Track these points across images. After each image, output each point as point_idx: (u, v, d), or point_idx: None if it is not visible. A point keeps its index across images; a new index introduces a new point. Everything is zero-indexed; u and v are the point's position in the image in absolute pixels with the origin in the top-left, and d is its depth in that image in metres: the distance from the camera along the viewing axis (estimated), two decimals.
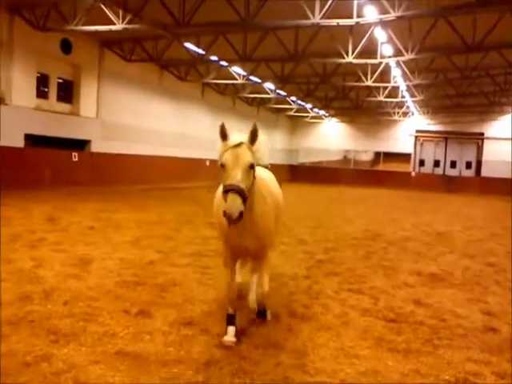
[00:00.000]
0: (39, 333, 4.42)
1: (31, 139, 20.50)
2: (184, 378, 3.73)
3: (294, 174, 45.12)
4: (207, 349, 4.31)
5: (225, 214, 3.76)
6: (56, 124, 21.56)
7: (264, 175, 4.84)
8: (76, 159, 22.31)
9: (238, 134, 4.23)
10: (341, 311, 5.58)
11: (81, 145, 23.84)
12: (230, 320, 4.58)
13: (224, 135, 4.13)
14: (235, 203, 3.75)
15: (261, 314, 5.06)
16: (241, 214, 3.77)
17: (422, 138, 44.73)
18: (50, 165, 20.77)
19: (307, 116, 46.05)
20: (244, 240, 4.42)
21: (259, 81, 30.41)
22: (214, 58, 25.01)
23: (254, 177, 4.09)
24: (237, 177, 3.85)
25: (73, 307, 5.19)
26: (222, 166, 3.99)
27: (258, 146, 4.18)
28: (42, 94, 21.74)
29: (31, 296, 5.46)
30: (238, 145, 4.03)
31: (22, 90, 20.02)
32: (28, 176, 19.42)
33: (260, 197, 4.36)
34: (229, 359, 4.09)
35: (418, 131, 44.40)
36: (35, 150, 20.56)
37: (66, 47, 22.28)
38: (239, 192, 3.79)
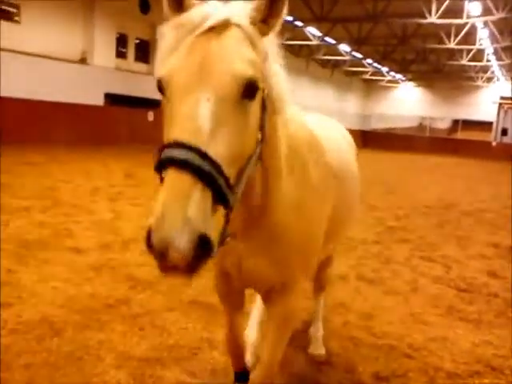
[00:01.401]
0: (119, 279, 4.71)
1: (110, 98, 21.28)
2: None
3: (365, 140, 44.00)
4: None
5: (148, 241, 1.32)
6: (133, 83, 22.18)
7: (319, 127, 2.48)
8: (151, 118, 22.96)
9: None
10: (411, 277, 5.51)
11: (157, 104, 24.48)
12: (239, 377, 2.77)
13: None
14: (179, 210, 1.27)
15: None
16: (221, 241, 1.45)
17: (506, 106, 41.95)
18: (127, 123, 21.52)
19: (382, 80, 44.44)
20: (250, 264, 2.08)
21: (334, 42, 29.58)
22: (288, 18, 24.56)
23: (265, 130, 1.63)
24: (197, 121, 1.38)
25: (149, 258, 5.46)
26: (161, 88, 1.51)
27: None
28: (120, 54, 22.39)
29: (111, 245, 5.80)
30: (220, 27, 1.52)
31: (103, 50, 20.69)
32: (107, 133, 20.27)
33: (295, 183, 1.99)
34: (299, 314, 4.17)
35: (502, 98, 41.62)
36: (114, 108, 21.35)
37: (145, 7, 22.67)
38: (200, 172, 1.32)
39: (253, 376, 2.36)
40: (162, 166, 1.37)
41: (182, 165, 1.31)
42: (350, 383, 3.18)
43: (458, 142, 42.07)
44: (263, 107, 1.59)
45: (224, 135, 1.39)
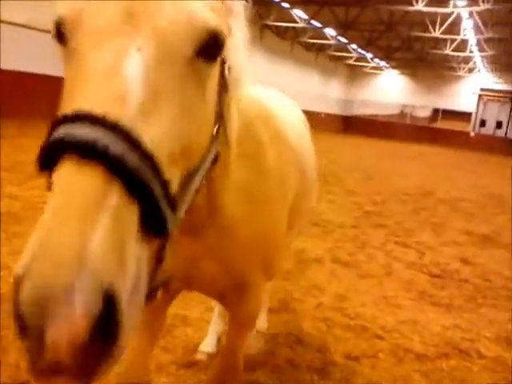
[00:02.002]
0: None
1: None
2: None
3: (347, 125, 44.19)
4: None
5: (15, 306, 0.71)
6: None
7: (276, 103, 2.18)
8: None
9: None
10: (385, 262, 5.59)
11: None
12: None
13: None
14: (73, 243, 0.71)
15: None
16: (149, 295, 0.90)
17: (485, 97, 42.49)
18: None
19: (366, 66, 44.47)
20: (196, 267, 1.68)
21: (320, 26, 29.44)
22: None
23: (224, 116, 1.22)
24: (121, 82, 0.86)
25: None
26: (61, 33, 0.98)
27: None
28: None
29: None
30: None
31: None
32: None
33: (247, 168, 1.59)
34: (274, 295, 4.21)
35: (482, 89, 42.11)
36: None
37: None
38: (120, 168, 0.79)
39: (216, 370, 2.19)
40: (50, 156, 0.82)
41: (87, 151, 0.77)
42: (321, 363, 3.23)
43: (438, 131, 42.56)
44: (222, 82, 1.14)
45: (166, 111, 0.90)
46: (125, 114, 0.83)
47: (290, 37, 34.41)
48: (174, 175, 0.93)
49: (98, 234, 0.72)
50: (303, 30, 32.32)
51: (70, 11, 0.96)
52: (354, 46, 36.11)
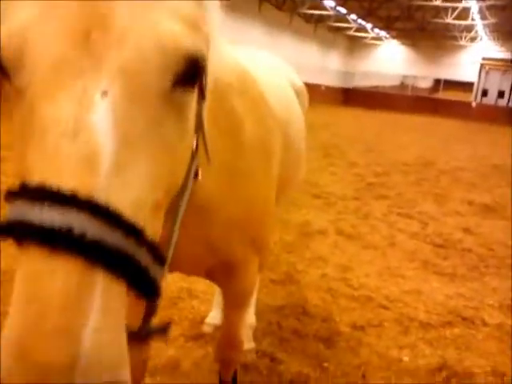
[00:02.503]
0: None
1: None
2: None
3: (347, 97, 43.79)
4: None
5: None
6: None
7: (256, 65, 1.94)
8: None
9: None
10: (388, 233, 5.61)
11: None
12: None
13: None
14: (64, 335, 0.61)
15: None
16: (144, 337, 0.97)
17: (487, 66, 42.00)
18: None
19: (366, 37, 43.88)
20: (180, 247, 1.18)
21: None
22: None
23: (204, 127, 1.07)
24: (86, 141, 0.70)
25: None
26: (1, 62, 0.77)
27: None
28: None
29: None
30: None
31: None
32: None
33: (223, 140, 1.42)
34: (278, 268, 4.24)
35: (484, 58, 41.60)
36: None
37: None
38: (101, 253, 0.67)
39: (216, 346, 2.18)
40: (13, 234, 0.68)
41: (61, 240, 0.65)
42: (327, 332, 3.27)
43: (439, 101, 42.19)
44: (201, 94, 0.98)
45: (144, 162, 0.77)
46: (98, 184, 0.69)
47: (289, 8, 33.84)
48: (160, 217, 0.84)
49: (92, 335, 0.63)
50: (302, 1, 31.78)
51: (8, 38, 0.75)
52: (353, 16, 35.53)
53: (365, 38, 44.38)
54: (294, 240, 5.01)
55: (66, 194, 0.67)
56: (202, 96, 0.98)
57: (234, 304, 1.95)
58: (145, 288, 0.75)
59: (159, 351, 2.86)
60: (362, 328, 3.37)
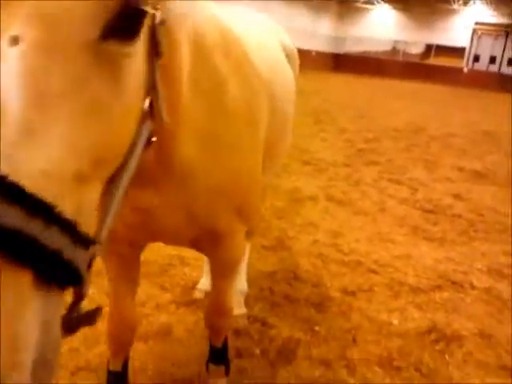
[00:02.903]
0: None
1: None
2: None
3: (338, 63, 43.28)
4: None
5: None
6: None
7: (240, 24, 1.80)
8: None
9: None
10: (379, 199, 5.62)
11: None
12: (113, 379, 2.09)
13: None
14: None
15: (216, 354, 2.33)
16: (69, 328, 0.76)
17: (480, 31, 41.56)
18: None
19: (358, 1, 43.10)
20: (161, 216, 1.45)
21: None
22: None
23: (157, 86, 0.91)
24: None
25: None
26: None
27: None
28: None
29: None
30: None
31: None
32: None
33: (204, 105, 1.32)
34: (270, 234, 4.24)
35: (477, 23, 41.12)
36: None
37: None
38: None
39: (205, 313, 2.18)
40: None
41: None
42: (318, 297, 3.29)
43: (431, 67, 41.84)
44: (151, 44, 0.86)
45: (62, 121, 0.67)
46: (1, 139, 0.59)
47: None
48: (89, 191, 0.73)
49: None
50: None
51: None
52: None
53: (356, 1, 43.59)
54: (285, 206, 5.00)
55: None
56: (155, 53, 0.87)
57: (221, 273, 1.92)
58: (59, 275, 0.65)
59: (151, 318, 2.87)
60: (353, 293, 3.39)
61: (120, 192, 0.85)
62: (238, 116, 1.45)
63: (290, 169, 6.28)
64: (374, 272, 3.74)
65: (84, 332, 2.50)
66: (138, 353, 2.54)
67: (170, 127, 1.11)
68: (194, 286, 3.20)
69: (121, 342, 2.00)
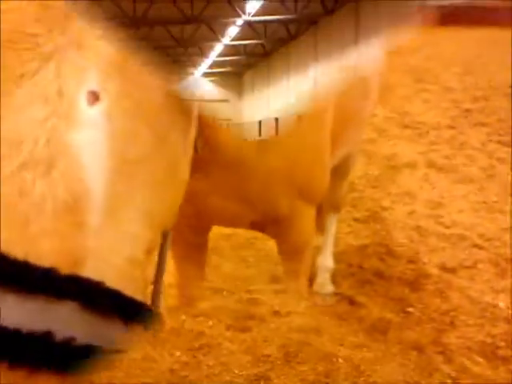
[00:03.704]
0: None
1: None
2: None
3: (443, 16, 40.44)
4: None
5: None
6: None
7: None
8: None
9: None
10: (487, 164, 5.17)
11: None
12: None
13: None
14: None
15: None
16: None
17: None
18: None
19: None
20: (207, 205, 1.51)
21: None
22: None
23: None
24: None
25: None
26: None
27: None
28: None
29: None
30: None
31: None
32: None
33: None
34: (362, 205, 4.07)
35: None
36: None
37: None
38: None
39: None
40: None
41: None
42: (413, 275, 3.11)
43: None
44: None
45: (139, 199, 0.57)
46: (85, 249, 0.52)
47: None
48: (152, 260, 0.71)
49: None
50: None
51: None
52: None
53: None
54: (380, 174, 4.78)
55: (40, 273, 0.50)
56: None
57: (288, 257, 1.88)
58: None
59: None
60: (453, 270, 3.16)
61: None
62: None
63: (387, 133, 5.97)
64: (479, 247, 3.46)
65: None
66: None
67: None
68: (277, 261, 3.14)
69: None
